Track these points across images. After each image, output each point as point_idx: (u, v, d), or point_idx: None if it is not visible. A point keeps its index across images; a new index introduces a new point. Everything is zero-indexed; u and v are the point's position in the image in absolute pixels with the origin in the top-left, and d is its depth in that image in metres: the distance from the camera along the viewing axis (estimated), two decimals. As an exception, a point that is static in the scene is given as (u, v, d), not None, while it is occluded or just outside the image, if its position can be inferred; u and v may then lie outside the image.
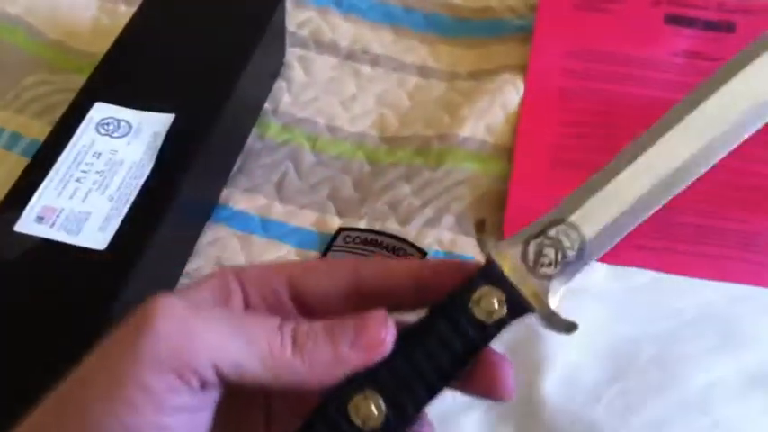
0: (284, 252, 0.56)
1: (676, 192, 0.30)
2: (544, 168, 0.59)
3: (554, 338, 0.48)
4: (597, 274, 0.52)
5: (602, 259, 0.52)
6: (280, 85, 0.67)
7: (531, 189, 0.57)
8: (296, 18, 0.71)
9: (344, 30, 0.71)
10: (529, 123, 0.61)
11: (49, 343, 0.44)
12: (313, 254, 0.56)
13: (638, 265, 0.52)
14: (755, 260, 0.53)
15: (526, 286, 0.29)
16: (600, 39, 0.64)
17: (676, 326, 0.49)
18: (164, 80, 0.58)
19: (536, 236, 0.29)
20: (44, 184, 0.51)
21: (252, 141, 0.63)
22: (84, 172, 0.52)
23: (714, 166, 0.57)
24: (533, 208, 0.56)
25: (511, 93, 0.64)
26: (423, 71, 0.68)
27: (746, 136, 0.30)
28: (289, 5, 0.69)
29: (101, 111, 0.55)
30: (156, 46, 0.61)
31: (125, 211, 0.50)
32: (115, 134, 0.54)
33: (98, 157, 0.53)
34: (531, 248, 0.29)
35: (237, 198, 0.59)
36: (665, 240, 0.54)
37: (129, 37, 0.61)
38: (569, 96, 0.63)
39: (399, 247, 0.55)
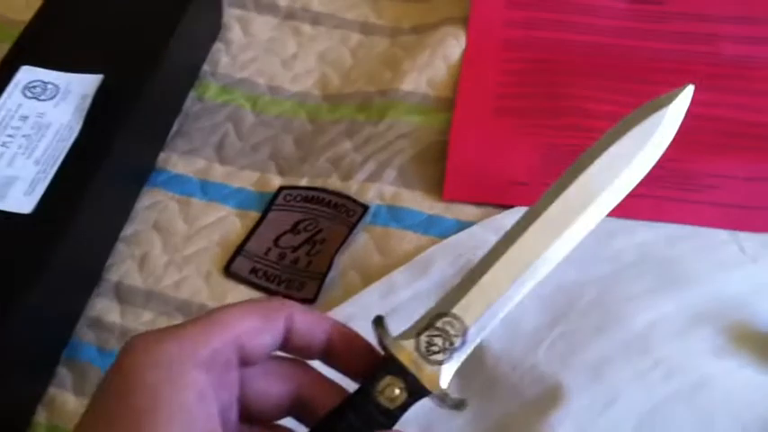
0: (224, 213, 0.55)
1: (541, 278, 0.35)
2: (486, 117, 0.58)
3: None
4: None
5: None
6: (218, 46, 0.65)
7: (472, 138, 0.56)
8: (234, -22, 0.69)
9: (284, -12, 0.69)
10: (470, 74, 0.60)
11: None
12: (253, 214, 0.55)
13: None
14: (692, 198, 0.52)
15: (422, 373, 0.33)
16: (539, -14, 0.63)
17: (617, 268, 0.48)
18: (92, 42, 0.57)
19: (425, 328, 0.34)
20: (-33, 149, 0.49)
21: (190, 103, 0.62)
22: (11, 136, 0.51)
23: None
24: (475, 157, 0.56)
25: (453, 45, 0.62)
26: (365, 28, 0.67)
27: (600, 219, 0.35)
28: (225, -35, 0.68)
29: (27, 74, 0.54)
30: (85, 7, 0.59)
31: (52, 174, 0.49)
32: (42, 97, 0.53)
33: (24, 121, 0.51)
34: (423, 340, 0.33)
35: (175, 161, 0.58)
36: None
37: (56, 0, 0.59)
38: (511, 46, 0.62)
39: (340, 203, 0.54)
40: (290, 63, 0.65)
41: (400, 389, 0.33)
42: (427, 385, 0.33)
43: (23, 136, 0.51)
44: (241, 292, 0.51)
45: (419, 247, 0.51)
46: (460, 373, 0.45)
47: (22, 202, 0.47)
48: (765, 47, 0.61)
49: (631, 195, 0.52)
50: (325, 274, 0.51)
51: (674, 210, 0.52)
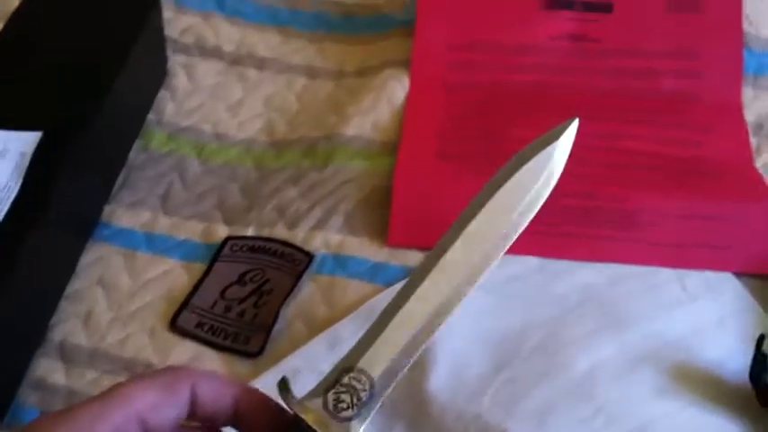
0: (169, 266, 0.55)
1: (440, 325, 0.34)
2: (429, 161, 0.58)
3: (440, 332, 0.48)
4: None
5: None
6: (163, 94, 0.65)
7: (416, 183, 0.57)
8: (178, 25, 0.69)
9: (229, 34, 0.69)
10: (413, 117, 0.61)
11: None
12: (199, 266, 0.55)
13: (520, 252, 0.52)
14: (633, 238, 0.53)
15: None
16: (479, 28, 0.64)
17: (561, 312, 0.49)
18: (31, 96, 0.56)
19: (332, 386, 0.33)
20: None
21: (135, 154, 0.61)
22: (-52, 198, 0.50)
23: (591, 148, 0.58)
24: (418, 202, 0.56)
25: (396, 88, 0.63)
26: (310, 71, 0.67)
27: (499, 258, 0.36)
28: (169, 13, 0.68)
29: (-36, 133, 0.53)
30: (23, 60, 0.59)
31: (-9, 235, 0.48)
32: (-20, 157, 0.52)
33: (-38, 182, 0.51)
34: (330, 398, 0.33)
35: (120, 214, 0.58)
36: (544, 224, 0.53)
37: (-6, 51, 0.59)
38: (453, 88, 0.62)
39: (287, 252, 0.54)
40: (236, 109, 0.65)
41: None
42: None
43: (-39, 197, 0.50)
44: (187, 347, 0.51)
45: (365, 296, 0.52)
46: (409, 426, 0.45)
47: (-40, 266, 0.47)
48: (701, 81, 0.63)
49: (575, 236, 0.53)
50: (271, 327, 0.51)
51: (615, 249, 0.53)
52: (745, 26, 0.65)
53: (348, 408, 0.33)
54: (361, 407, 0.33)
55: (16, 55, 0.59)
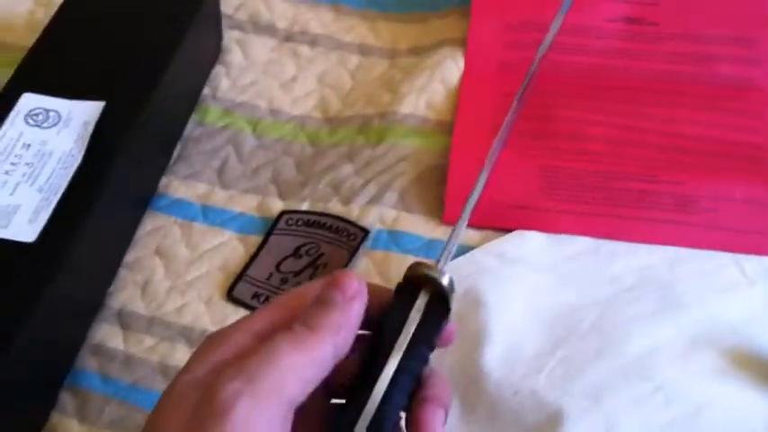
0: (226, 238, 0.56)
1: None
2: (484, 141, 0.58)
3: (496, 309, 0.48)
4: (536, 243, 0.52)
5: (541, 228, 0.53)
6: (218, 70, 0.66)
7: (471, 162, 0.56)
8: (233, 1, 0.70)
9: (282, 10, 0.70)
10: (469, 97, 0.61)
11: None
12: (254, 238, 0.55)
13: (576, 233, 0.52)
14: (691, 222, 0.53)
15: None
16: (536, 9, 0.64)
17: (616, 291, 0.49)
18: (94, 68, 0.57)
19: None
20: (-30, 178, 0.50)
21: (191, 127, 0.62)
22: (14, 164, 0.51)
23: (649, 131, 0.58)
24: (474, 181, 0.56)
25: (451, 68, 0.63)
26: (363, 49, 0.67)
27: None
28: (224, -12, 0.69)
29: (29, 101, 0.54)
30: (86, 34, 0.59)
31: (55, 202, 0.49)
32: (44, 124, 0.53)
33: (27, 149, 0.52)
34: None
35: (177, 186, 0.58)
36: (603, 206, 0.54)
37: (58, 26, 0.60)
38: (508, 68, 0.62)
39: (342, 227, 0.55)
40: (290, 85, 0.65)
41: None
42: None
43: (26, 164, 0.51)
44: (243, 318, 0.51)
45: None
46: (464, 401, 0.45)
47: (26, 230, 0.48)
48: (760, 67, 0.62)
49: (631, 218, 0.53)
50: (326, 299, 0.51)
51: (674, 233, 0.52)
52: (806, 13, 0.64)
53: None
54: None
55: (79, 29, 0.59)
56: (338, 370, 0.31)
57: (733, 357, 0.46)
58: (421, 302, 0.33)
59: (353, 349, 0.32)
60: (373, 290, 0.33)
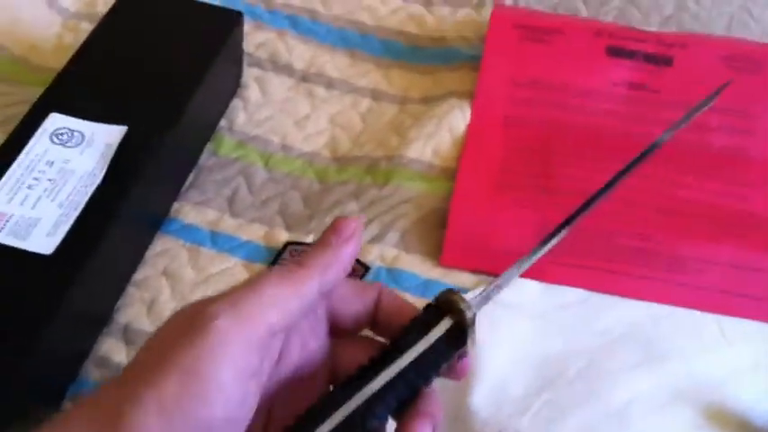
0: (231, 264, 0.58)
1: None
2: (486, 190, 0.61)
3: (487, 350, 0.50)
4: (530, 291, 0.54)
5: (536, 277, 0.56)
6: (236, 103, 0.69)
7: (472, 209, 0.59)
8: (254, 39, 0.73)
9: (300, 52, 0.73)
10: (473, 147, 0.63)
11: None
12: (259, 266, 0.57)
13: (568, 284, 0.55)
14: (680, 281, 0.55)
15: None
16: (544, 69, 0.67)
17: (603, 342, 0.51)
18: (119, 94, 0.60)
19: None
20: (-5, 189, 0.52)
21: (206, 157, 0.65)
22: (36, 179, 0.53)
23: (647, 192, 0.60)
24: (473, 227, 0.59)
25: (458, 117, 0.66)
26: (375, 94, 0.70)
27: None
28: (247, 27, 0.71)
29: (55, 121, 0.57)
30: (114, 62, 0.62)
31: (74, 218, 0.51)
32: (68, 144, 0.55)
33: (50, 166, 0.54)
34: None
35: (188, 211, 0.61)
36: (596, 260, 0.56)
37: (88, 51, 0.62)
38: (513, 123, 0.65)
39: (343, 261, 0.57)
40: (303, 123, 0.68)
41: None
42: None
43: (49, 180, 0.53)
44: (243, 342, 0.53)
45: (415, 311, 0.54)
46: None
47: (44, 243, 0.50)
48: (753, 138, 0.65)
49: (622, 273, 0.56)
50: (324, 330, 0.53)
51: (662, 290, 0.55)
52: (798, 90, 0.67)
53: None
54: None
55: (108, 56, 0.62)
56: (346, 363, 0.34)
57: (709, 413, 0.49)
58: (442, 327, 0.35)
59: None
60: (402, 307, 0.37)
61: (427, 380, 0.35)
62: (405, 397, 0.34)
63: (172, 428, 0.30)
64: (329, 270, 0.35)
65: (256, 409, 0.33)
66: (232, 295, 0.32)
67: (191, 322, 0.31)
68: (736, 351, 0.52)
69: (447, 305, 0.36)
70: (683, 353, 0.51)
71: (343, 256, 0.35)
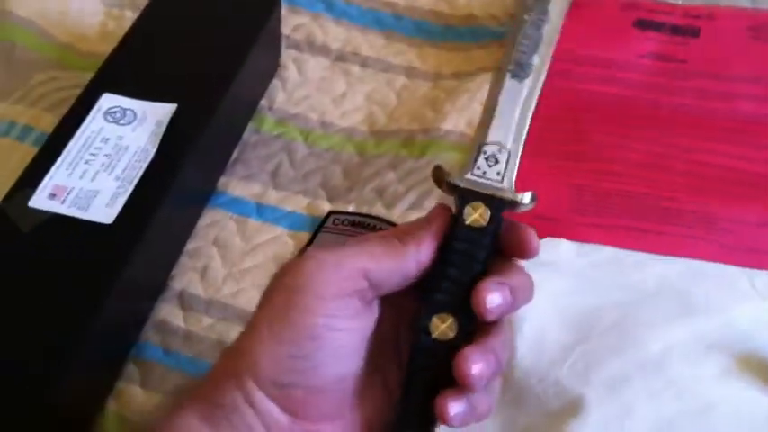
0: (278, 233, 0.61)
1: (537, 97, 0.43)
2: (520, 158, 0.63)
3: (524, 308, 0.53)
4: (566, 250, 0.56)
5: (570, 237, 0.58)
6: (275, 84, 0.71)
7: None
8: (291, 22, 0.76)
9: (336, 33, 0.75)
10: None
11: (56, 308, 0.48)
12: (304, 235, 0.60)
13: (601, 243, 0.57)
14: (712, 239, 0.57)
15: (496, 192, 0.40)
16: (573, 42, 0.69)
17: (636, 296, 0.53)
18: (167, 75, 0.63)
19: (476, 159, 0.41)
20: (56, 164, 0.55)
21: (249, 134, 0.67)
22: (93, 155, 0.56)
23: (674, 158, 0.62)
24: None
25: (490, 91, 0.68)
26: (409, 72, 0.73)
27: None
28: (284, 11, 0.74)
29: (108, 101, 0.60)
30: (160, 45, 0.65)
31: (130, 190, 0.54)
32: (121, 122, 0.58)
33: (106, 143, 0.57)
34: (480, 166, 0.41)
35: (234, 185, 0.64)
36: (628, 220, 0.58)
37: (135, 37, 0.65)
38: (544, 93, 0.67)
39: (385, 227, 0.60)
40: (340, 101, 0.71)
41: (483, 209, 0.39)
42: (508, 196, 0.39)
43: (105, 155, 0.56)
44: (292, 305, 0.56)
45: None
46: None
47: (104, 213, 0.53)
48: (779, 105, 0.67)
49: (654, 232, 0.58)
50: (369, 292, 0.56)
51: (693, 247, 0.57)
52: (822, 57, 0.69)
53: (496, 172, 0.40)
54: (505, 166, 0.40)
55: (154, 40, 0.65)
56: None
57: (741, 362, 0.50)
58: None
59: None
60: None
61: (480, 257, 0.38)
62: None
63: (279, 338, 0.34)
64: (422, 246, 0.37)
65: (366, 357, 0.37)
66: (335, 246, 0.37)
67: (293, 261, 0.37)
68: (767, 303, 0.54)
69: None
70: (715, 305, 0.53)
71: (435, 235, 0.38)
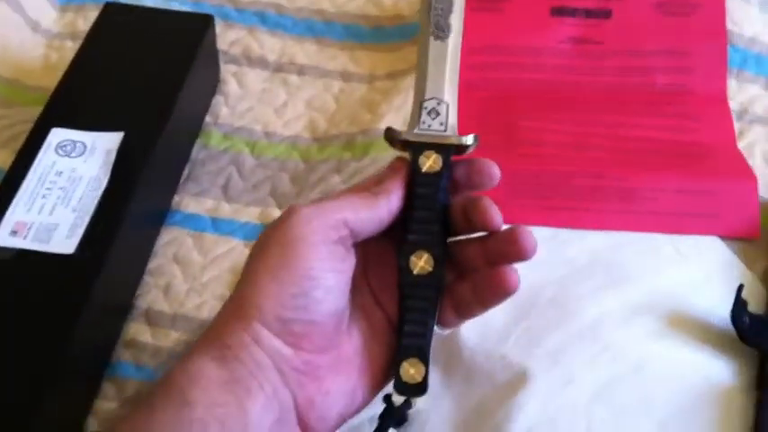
0: (234, 244, 0.64)
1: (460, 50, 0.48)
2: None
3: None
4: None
5: (510, 220, 0.62)
6: (218, 99, 0.74)
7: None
8: (227, 38, 0.78)
9: (272, 45, 0.78)
10: (439, 112, 0.69)
11: (30, 339, 0.51)
12: (259, 244, 0.63)
13: (536, 223, 0.61)
14: (633, 210, 0.62)
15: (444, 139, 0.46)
16: (496, 34, 0.73)
17: (570, 271, 0.57)
18: (112, 103, 0.65)
19: (418, 114, 0.47)
20: (14, 202, 0.58)
21: (197, 151, 0.70)
22: (49, 189, 0.59)
23: (597, 135, 0.67)
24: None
25: (423, 88, 0.72)
26: (345, 76, 0.76)
27: None
28: (219, 27, 0.77)
29: (58, 135, 0.62)
30: (103, 74, 0.68)
31: (88, 219, 0.57)
32: (73, 154, 0.61)
33: (60, 176, 0.60)
34: (423, 119, 0.47)
35: (188, 202, 0.67)
36: (559, 200, 0.63)
37: (77, 69, 0.68)
38: (474, 86, 0.71)
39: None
40: (282, 110, 0.74)
41: (435, 156, 0.45)
42: (454, 141, 0.45)
43: (60, 188, 0.59)
44: (253, 311, 0.59)
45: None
46: (445, 367, 0.54)
47: (65, 243, 0.56)
48: (691, 76, 0.71)
49: (583, 209, 0.62)
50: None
51: (619, 220, 0.61)
52: (729, 26, 0.73)
53: (438, 122, 0.46)
54: (446, 119, 0.46)
55: (95, 71, 0.68)
56: None
57: (670, 321, 0.55)
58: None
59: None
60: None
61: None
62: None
63: (281, 280, 0.40)
64: (391, 196, 0.44)
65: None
66: (315, 200, 0.43)
67: (280, 219, 0.42)
68: (691, 265, 0.59)
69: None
70: (643, 272, 0.57)
71: (402, 186, 0.44)
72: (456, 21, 0.47)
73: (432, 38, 0.47)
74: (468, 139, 0.45)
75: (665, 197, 0.62)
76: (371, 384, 0.44)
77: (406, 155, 0.46)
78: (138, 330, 0.59)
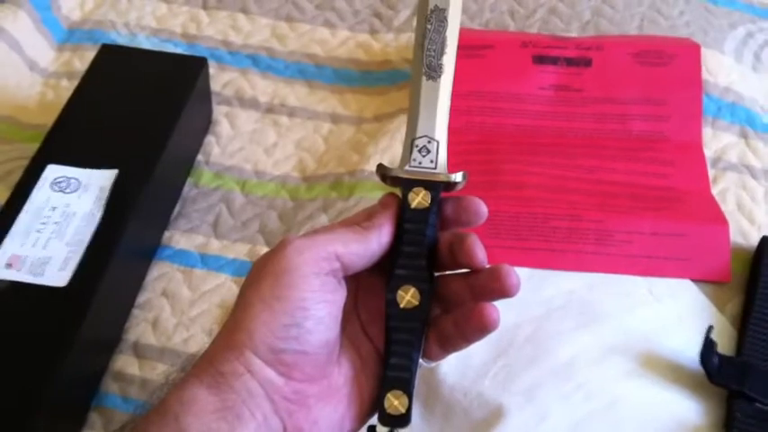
0: (222, 280, 0.66)
1: (451, 90, 0.48)
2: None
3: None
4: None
5: (490, 261, 0.64)
6: (210, 139, 0.77)
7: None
8: (220, 80, 0.81)
9: (263, 87, 0.81)
10: (424, 155, 0.72)
11: (21, 368, 0.53)
12: (246, 280, 0.65)
13: (514, 264, 0.63)
14: (608, 252, 0.64)
15: (433, 177, 0.46)
16: (479, 81, 0.76)
17: (547, 311, 0.59)
18: (106, 141, 0.67)
19: (409, 152, 0.46)
20: (9, 236, 0.60)
21: (188, 189, 0.73)
22: (44, 223, 0.61)
23: (575, 179, 0.69)
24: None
25: (408, 131, 0.74)
26: (334, 118, 0.79)
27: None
28: (213, 69, 0.80)
29: (54, 171, 0.64)
30: (98, 113, 0.70)
31: (81, 253, 0.59)
32: (67, 190, 0.63)
33: (54, 211, 0.62)
34: (414, 157, 0.46)
35: (178, 238, 0.69)
36: (537, 242, 0.65)
37: (73, 107, 0.70)
38: (457, 131, 0.73)
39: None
40: (272, 150, 0.76)
41: (424, 193, 0.45)
42: (443, 178, 0.46)
43: (54, 223, 0.61)
44: (239, 346, 0.61)
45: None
46: (425, 404, 0.55)
47: (58, 276, 0.58)
48: (667, 123, 0.74)
49: (560, 251, 0.64)
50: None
51: (594, 261, 0.63)
52: (705, 76, 0.76)
53: (429, 160, 0.46)
54: (435, 157, 0.46)
55: (91, 109, 0.70)
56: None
57: (642, 361, 0.57)
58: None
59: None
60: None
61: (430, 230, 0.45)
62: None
63: (273, 310, 0.41)
64: (382, 230, 0.44)
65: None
66: (308, 232, 0.44)
67: (273, 250, 0.43)
68: (664, 306, 0.61)
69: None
70: (617, 312, 0.59)
71: (392, 221, 0.45)
72: (448, 62, 0.49)
73: (424, 78, 0.48)
74: (458, 177, 0.46)
75: (640, 240, 0.65)
76: (359, 414, 0.45)
77: (397, 191, 0.48)
78: (125, 363, 0.60)
